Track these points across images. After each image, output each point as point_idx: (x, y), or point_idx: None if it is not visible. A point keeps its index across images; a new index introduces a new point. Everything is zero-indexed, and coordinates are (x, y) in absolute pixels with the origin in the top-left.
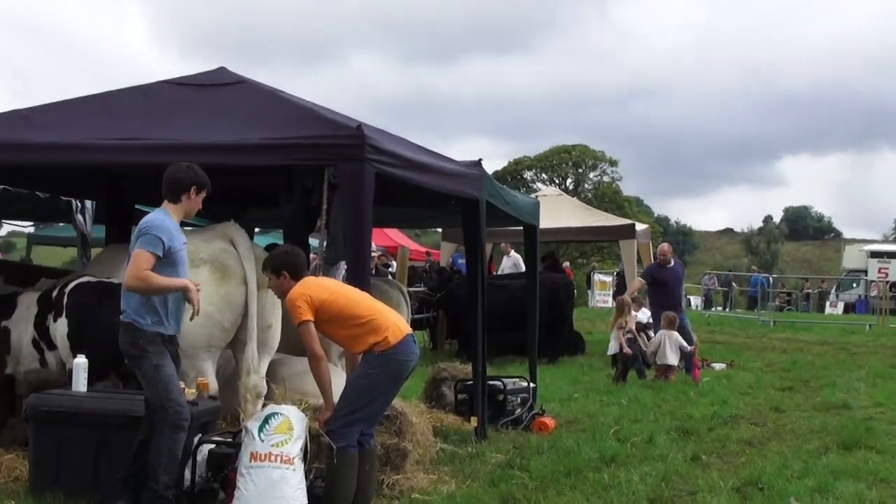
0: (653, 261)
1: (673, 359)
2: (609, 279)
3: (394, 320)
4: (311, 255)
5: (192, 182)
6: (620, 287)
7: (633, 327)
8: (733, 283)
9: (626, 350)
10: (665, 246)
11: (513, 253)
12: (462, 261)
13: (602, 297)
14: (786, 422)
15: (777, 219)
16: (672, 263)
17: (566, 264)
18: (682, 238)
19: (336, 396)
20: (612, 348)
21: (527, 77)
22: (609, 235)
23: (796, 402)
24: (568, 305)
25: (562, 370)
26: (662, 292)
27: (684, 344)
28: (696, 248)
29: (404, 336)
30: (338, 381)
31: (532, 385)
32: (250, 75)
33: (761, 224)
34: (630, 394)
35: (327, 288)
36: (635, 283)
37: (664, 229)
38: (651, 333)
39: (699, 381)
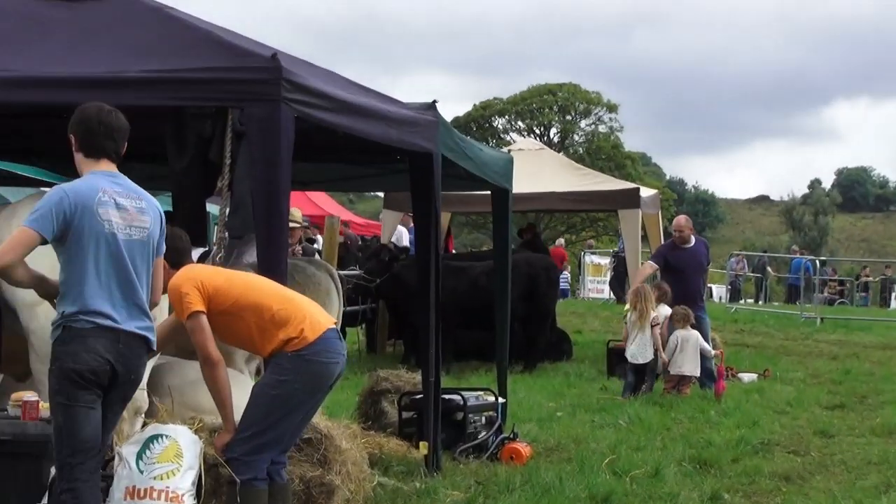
0: (663, 239)
1: (691, 367)
2: (604, 262)
3: (311, 310)
4: (216, 232)
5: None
6: (619, 273)
7: (664, 324)
8: (768, 268)
9: (664, 357)
10: (682, 219)
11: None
12: (410, 236)
13: (594, 284)
14: (835, 450)
15: (827, 184)
16: (692, 242)
17: (560, 242)
18: (703, 208)
19: (239, 413)
20: (639, 353)
21: None
22: (606, 203)
23: (849, 425)
24: (550, 295)
25: (541, 380)
26: (679, 281)
27: (707, 347)
28: (720, 221)
29: (326, 330)
30: (241, 392)
31: (501, 400)
32: None
33: (806, 191)
34: (631, 412)
35: (221, 272)
36: (644, 268)
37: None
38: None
39: (722, 397)
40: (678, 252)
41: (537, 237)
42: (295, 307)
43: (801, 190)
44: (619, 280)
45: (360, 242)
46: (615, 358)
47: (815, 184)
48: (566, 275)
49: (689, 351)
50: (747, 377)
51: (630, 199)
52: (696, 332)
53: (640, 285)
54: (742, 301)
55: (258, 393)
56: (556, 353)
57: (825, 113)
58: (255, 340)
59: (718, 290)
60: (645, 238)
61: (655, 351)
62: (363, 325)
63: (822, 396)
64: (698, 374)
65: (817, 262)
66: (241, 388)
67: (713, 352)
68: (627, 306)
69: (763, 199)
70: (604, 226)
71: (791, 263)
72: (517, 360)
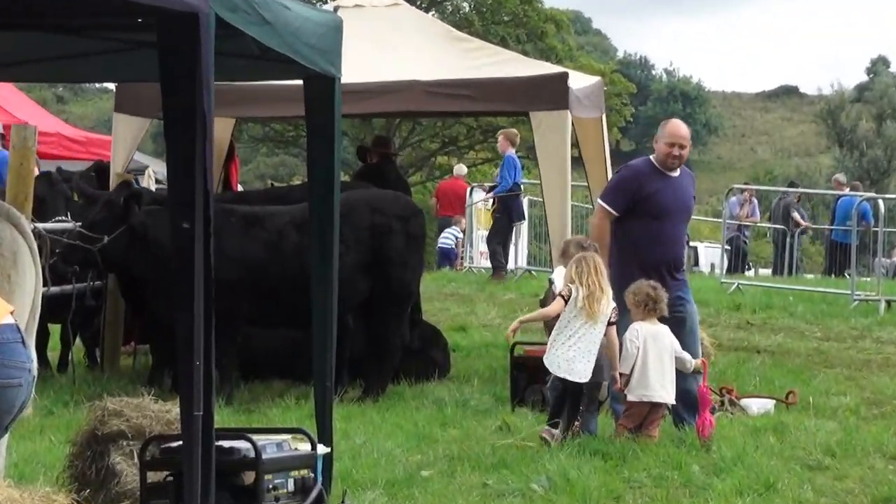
0: (610, 164)
1: (664, 390)
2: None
3: None
4: None
5: None
6: (502, 225)
7: (612, 315)
8: (796, 215)
9: (617, 369)
10: (680, 126)
11: None
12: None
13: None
14: None
15: None
16: (677, 171)
17: (459, 170)
18: (682, 109)
19: None
20: (577, 363)
21: None
22: (509, 101)
23: None
24: (409, 264)
25: (394, 414)
26: (653, 236)
27: (685, 357)
28: (712, 131)
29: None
30: None
31: (323, 450)
32: None
33: (864, 77)
34: (554, 469)
35: None
36: (598, 213)
37: (639, 87)
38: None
39: (710, 439)
40: (659, 184)
41: (390, 161)
42: None
43: (853, 77)
44: (503, 234)
45: (74, 176)
46: (525, 374)
47: (878, 65)
48: (454, 232)
49: (661, 360)
50: (757, 405)
51: (552, 94)
52: (669, 334)
53: (570, 239)
54: (750, 271)
55: None
56: (420, 366)
57: None
58: None
59: (708, 253)
60: (576, 161)
61: (599, 363)
62: (79, 320)
63: (889, 440)
64: (673, 401)
65: (881, 201)
66: None
67: (694, 362)
68: (559, 282)
69: (787, 94)
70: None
71: (836, 204)
72: (353, 378)
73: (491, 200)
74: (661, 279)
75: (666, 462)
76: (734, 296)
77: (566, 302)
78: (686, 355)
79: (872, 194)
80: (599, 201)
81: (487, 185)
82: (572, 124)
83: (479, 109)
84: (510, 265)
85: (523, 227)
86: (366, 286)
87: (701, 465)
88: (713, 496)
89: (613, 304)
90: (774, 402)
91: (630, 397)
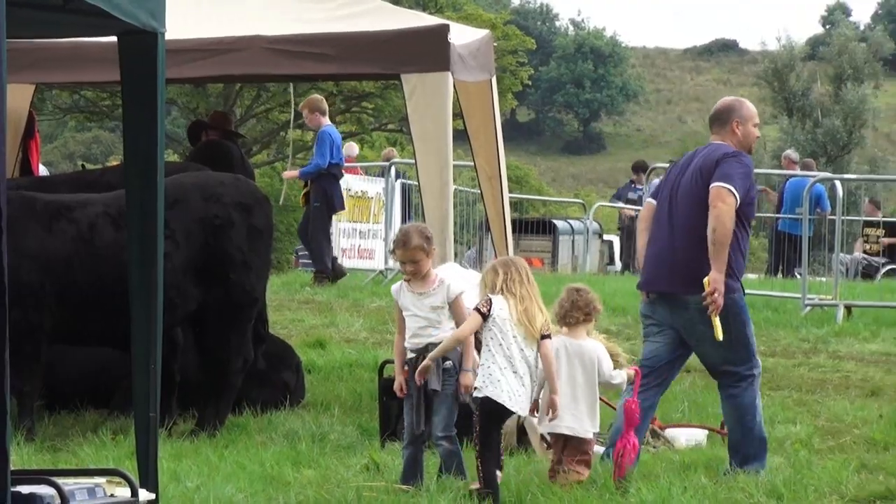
0: (499, 130)
1: (575, 420)
2: (377, 187)
3: None
4: None
5: None
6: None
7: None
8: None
9: (552, 396)
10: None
11: None
12: None
13: (359, 239)
14: None
15: (860, 15)
16: None
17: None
18: (593, 69)
19: None
20: (489, 384)
21: None
22: (372, 59)
23: None
24: (252, 263)
25: (237, 450)
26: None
27: (611, 375)
28: (630, 96)
29: None
30: None
31: (147, 496)
32: None
33: (819, 29)
34: None
35: None
36: (729, 206)
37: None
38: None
39: (626, 473)
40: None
41: (230, 139)
42: None
43: (805, 30)
44: (324, 228)
45: None
46: (398, 400)
47: (836, 14)
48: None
49: (573, 383)
50: (686, 436)
51: (429, 51)
52: (594, 345)
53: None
54: None
55: None
56: (268, 392)
57: None
58: None
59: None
60: (463, 135)
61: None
62: None
63: (849, 478)
64: (589, 433)
65: (839, 185)
66: None
67: (616, 380)
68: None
69: (723, 50)
70: (376, 111)
71: (784, 189)
72: (184, 407)
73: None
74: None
75: None
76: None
77: (485, 318)
78: (618, 377)
79: (829, 174)
80: (730, 188)
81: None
82: (455, 89)
83: (338, 71)
84: (379, 265)
85: (395, 216)
86: (199, 292)
87: None
88: None
89: (546, 317)
90: (707, 432)
91: (540, 428)
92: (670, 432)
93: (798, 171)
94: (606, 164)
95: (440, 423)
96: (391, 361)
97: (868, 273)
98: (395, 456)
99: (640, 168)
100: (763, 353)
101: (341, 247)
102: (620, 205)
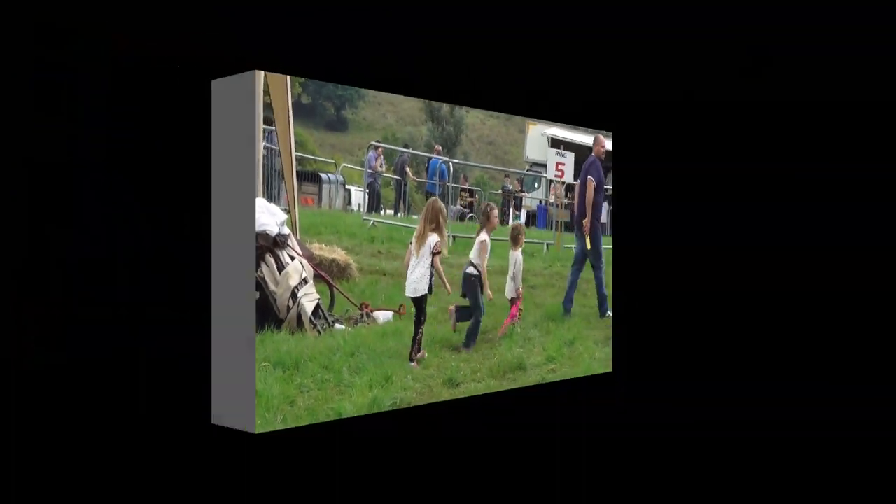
0: None
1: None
2: None
3: None
4: None
5: None
6: None
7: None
8: (407, 169)
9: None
10: None
11: None
12: None
13: None
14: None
15: None
16: None
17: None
18: None
19: None
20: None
21: None
22: None
23: (472, 368)
24: None
25: None
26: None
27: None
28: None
29: None
30: None
31: None
32: None
33: None
34: None
35: None
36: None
37: None
38: None
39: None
40: None
41: None
42: None
43: None
44: None
45: None
46: None
47: None
48: None
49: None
50: (383, 315)
51: None
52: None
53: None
54: (382, 212)
55: None
56: None
57: None
58: None
59: (358, 195)
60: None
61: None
62: None
63: (452, 335)
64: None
65: (451, 165)
66: None
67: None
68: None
69: None
70: None
71: (428, 165)
72: None
73: None
74: None
75: (327, 367)
76: (370, 231)
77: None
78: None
79: (445, 158)
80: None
81: None
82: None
83: None
84: None
85: None
86: None
87: (347, 366)
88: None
89: (438, 239)
90: (393, 313)
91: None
92: (376, 313)
93: None
94: None
95: None
96: None
97: None
98: None
99: None
100: None
101: None
102: None
